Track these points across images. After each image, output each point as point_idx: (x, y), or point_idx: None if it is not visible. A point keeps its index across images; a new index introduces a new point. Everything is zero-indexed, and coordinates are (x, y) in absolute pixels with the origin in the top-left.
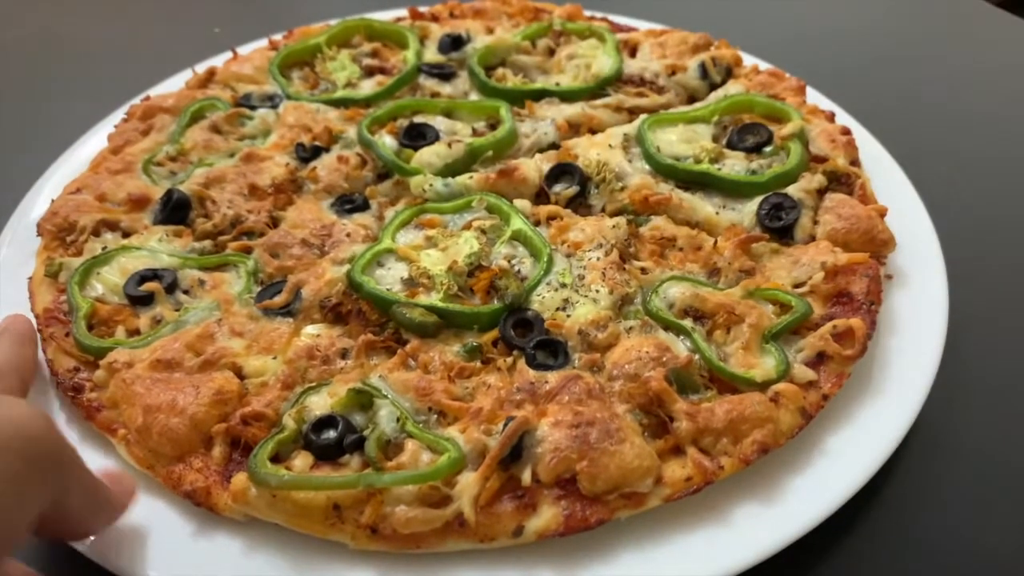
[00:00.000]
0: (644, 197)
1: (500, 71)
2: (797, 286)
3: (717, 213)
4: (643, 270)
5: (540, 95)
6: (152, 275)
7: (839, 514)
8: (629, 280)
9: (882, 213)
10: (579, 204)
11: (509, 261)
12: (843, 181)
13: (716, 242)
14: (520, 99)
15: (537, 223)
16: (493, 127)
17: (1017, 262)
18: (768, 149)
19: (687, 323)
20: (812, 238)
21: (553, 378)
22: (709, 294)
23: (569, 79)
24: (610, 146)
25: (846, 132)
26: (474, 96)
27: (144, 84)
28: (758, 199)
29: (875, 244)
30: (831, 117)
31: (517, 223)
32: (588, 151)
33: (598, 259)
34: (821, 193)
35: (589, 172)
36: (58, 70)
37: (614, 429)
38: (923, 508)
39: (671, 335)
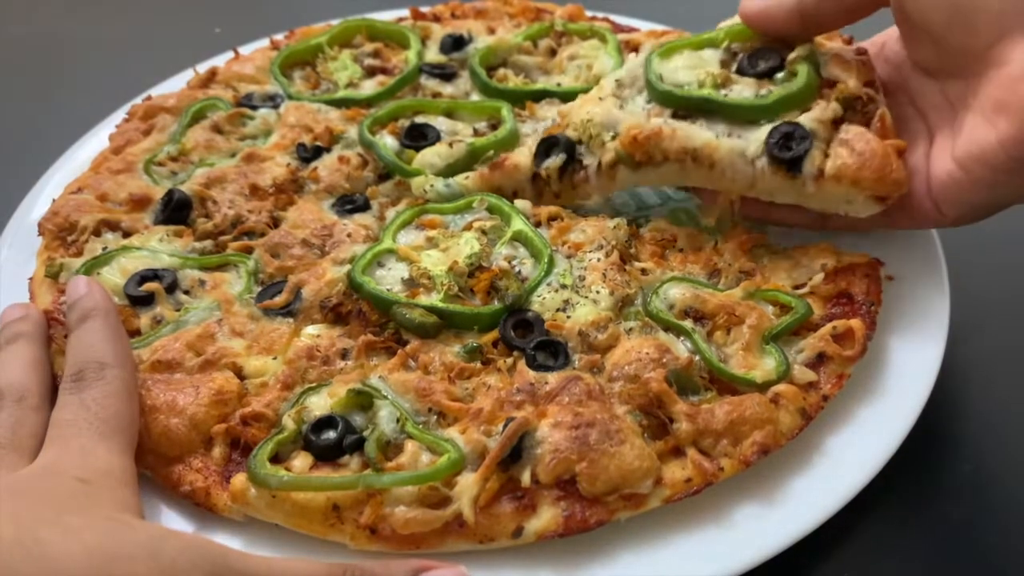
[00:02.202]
0: (632, 137)
1: (501, 71)
2: (797, 287)
3: (717, 138)
4: (643, 271)
5: (541, 95)
6: (152, 275)
7: (839, 515)
8: (629, 281)
9: (900, 149)
10: (573, 171)
11: (510, 262)
12: (860, 109)
13: (716, 243)
14: (521, 99)
15: (538, 224)
16: (494, 127)
17: (1018, 262)
18: (780, 75)
19: (687, 324)
20: (821, 172)
21: (553, 379)
22: (709, 295)
23: (570, 79)
24: (600, 99)
25: (862, 52)
26: (475, 96)
27: (145, 84)
28: (767, 127)
29: (886, 184)
30: (849, 40)
31: (518, 224)
32: (579, 112)
33: (599, 260)
34: (837, 124)
35: (575, 137)
36: (58, 70)
37: (614, 430)
38: (923, 508)
39: (671, 336)
